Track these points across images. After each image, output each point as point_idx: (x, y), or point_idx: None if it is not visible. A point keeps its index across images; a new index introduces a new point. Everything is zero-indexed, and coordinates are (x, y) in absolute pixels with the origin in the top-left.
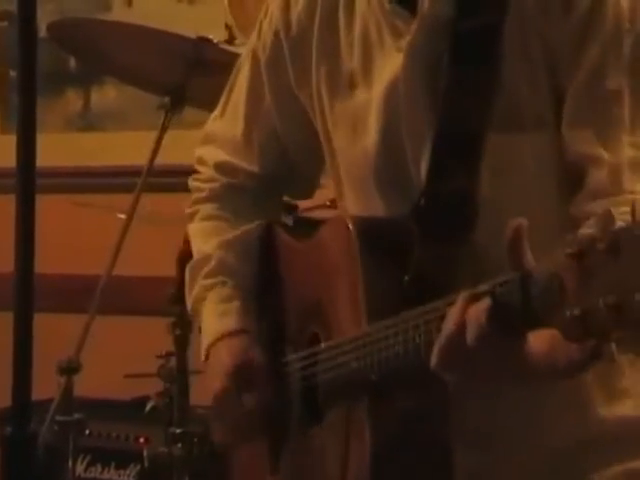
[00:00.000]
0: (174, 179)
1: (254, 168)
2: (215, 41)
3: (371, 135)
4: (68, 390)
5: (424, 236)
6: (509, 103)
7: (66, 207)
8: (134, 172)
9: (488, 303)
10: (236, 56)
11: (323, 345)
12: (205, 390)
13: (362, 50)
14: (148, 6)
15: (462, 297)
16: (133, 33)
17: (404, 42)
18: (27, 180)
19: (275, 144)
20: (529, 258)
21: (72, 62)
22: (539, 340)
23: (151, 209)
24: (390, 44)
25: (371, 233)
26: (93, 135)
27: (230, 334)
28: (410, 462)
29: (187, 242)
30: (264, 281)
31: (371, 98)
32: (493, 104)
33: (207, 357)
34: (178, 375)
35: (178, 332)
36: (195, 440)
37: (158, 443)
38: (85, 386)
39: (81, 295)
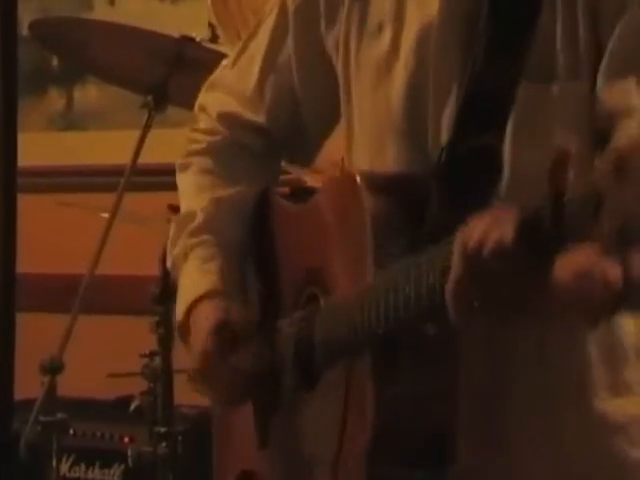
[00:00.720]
0: (157, 178)
1: (261, 121)
2: (198, 40)
3: (396, 81)
4: (51, 390)
5: (443, 192)
6: (543, 53)
7: (49, 206)
8: (117, 171)
9: (516, 218)
10: (219, 55)
11: (322, 303)
12: (189, 353)
13: None
14: (131, 5)
15: (487, 217)
16: (116, 32)
17: None
18: (9, 180)
19: (287, 99)
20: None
21: (54, 61)
22: (569, 263)
23: (134, 208)
24: None
25: (382, 186)
26: (76, 134)
27: (210, 294)
28: (411, 429)
29: None
30: (258, 248)
31: (399, 43)
32: (526, 61)
33: (185, 319)
34: (162, 374)
35: (162, 331)
36: (179, 439)
37: (142, 442)
38: (69, 386)
39: (64, 294)
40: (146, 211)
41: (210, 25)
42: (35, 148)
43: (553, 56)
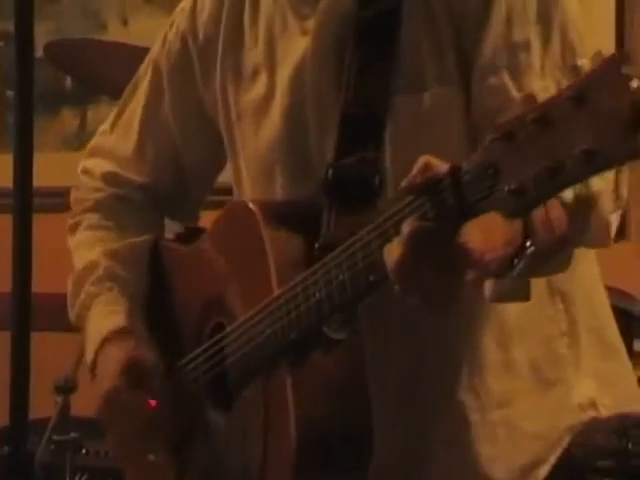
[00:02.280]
0: None
1: (143, 180)
2: None
3: (275, 116)
4: (65, 409)
5: (333, 206)
6: (410, 66)
7: (63, 226)
8: None
9: (422, 207)
10: None
11: (228, 328)
12: (92, 396)
13: (266, 40)
14: (143, 25)
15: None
16: (129, 53)
17: (310, 24)
18: (24, 200)
19: (169, 157)
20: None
21: (68, 82)
22: (474, 230)
23: None
24: (295, 29)
25: (275, 210)
26: None
27: (118, 333)
28: (330, 434)
29: None
30: (154, 292)
31: (275, 84)
32: (393, 77)
33: (94, 363)
34: None
35: None
36: None
37: None
38: (82, 405)
39: None
40: None
41: None
42: (49, 168)
43: (421, 68)
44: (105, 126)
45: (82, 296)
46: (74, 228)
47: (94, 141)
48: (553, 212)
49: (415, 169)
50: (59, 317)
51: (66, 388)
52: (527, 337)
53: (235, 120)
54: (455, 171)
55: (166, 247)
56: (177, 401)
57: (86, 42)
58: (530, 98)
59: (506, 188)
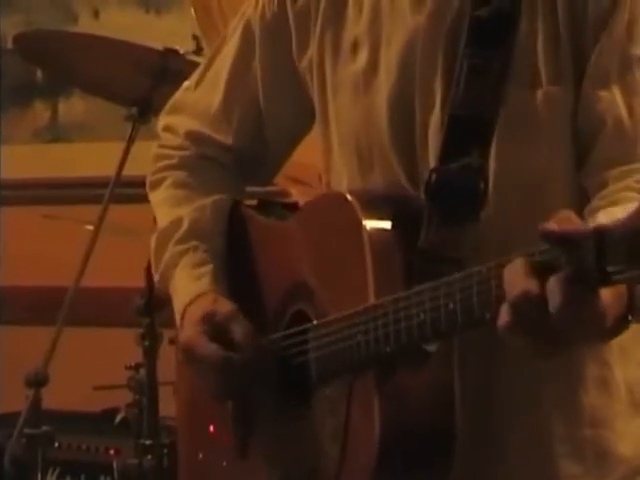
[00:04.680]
0: (143, 190)
1: (229, 142)
2: (182, 52)
3: (379, 98)
4: (36, 403)
5: (434, 213)
6: (525, 65)
7: (33, 219)
8: (102, 183)
9: (567, 271)
10: None
11: (315, 322)
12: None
13: (371, 13)
14: (115, 18)
15: (522, 262)
16: (100, 45)
17: (425, 3)
18: None
19: (253, 119)
20: (579, 221)
21: (39, 74)
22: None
23: (119, 220)
24: (405, 5)
25: (374, 205)
26: (61, 147)
27: (201, 295)
28: (413, 441)
29: None
30: (232, 256)
31: (378, 61)
32: (509, 78)
33: (182, 326)
34: (148, 386)
35: (147, 343)
36: (165, 451)
37: (128, 455)
38: (54, 399)
39: (49, 307)
40: (131, 223)
41: (194, 37)
42: (20, 161)
43: (535, 66)
44: (190, 82)
45: (167, 255)
46: (157, 184)
47: (176, 97)
48: None
49: (556, 219)
50: (29, 310)
51: (37, 381)
52: (627, 356)
53: (330, 93)
54: (601, 233)
55: (249, 215)
56: (250, 370)
57: (57, 34)
58: None
59: None
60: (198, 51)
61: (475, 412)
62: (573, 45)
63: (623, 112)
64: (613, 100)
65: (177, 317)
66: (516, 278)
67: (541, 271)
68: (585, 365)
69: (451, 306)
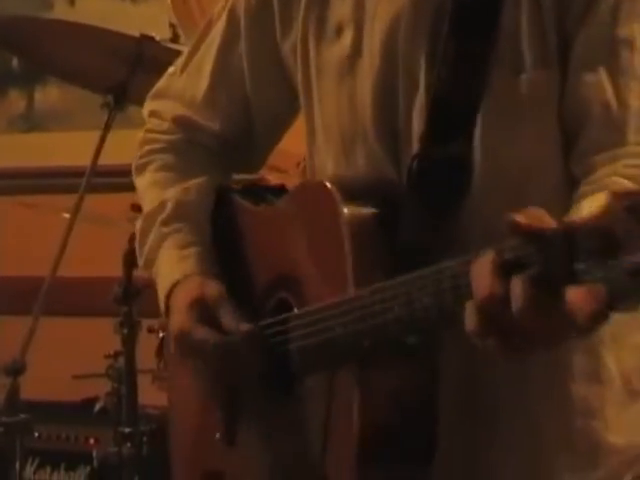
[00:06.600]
0: (119, 179)
1: (215, 127)
2: (158, 39)
3: (363, 81)
4: (14, 391)
5: (417, 202)
6: (510, 50)
7: (9, 208)
8: (79, 172)
9: (532, 270)
10: (180, 54)
11: (297, 311)
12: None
13: None
14: (91, 5)
15: (488, 260)
16: (75, 32)
17: None
18: None
19: (240, 104)
20: (549, 219)
21: (15, 62)
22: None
23: (96, 209)
24: None
25: (354, 193)
26: (37, 135)
27: (188, 277)
28: (395, 429)
29: (132, 241)
30: (217, 238)
31: (362, 43)
32: (494, 61)
33: (167, 306)
34: (126, 375)
35: (125, 332)
36: (144, 439)
37: (107, 443)
38: (33, 388)
39: (26, 296)
40: (108, 212)
41: (171, 25)
42: None
43: (520, 50)
44: (174, 67)
45: (152, 237)
46: (143, 168)
47: (161, 82)
48: None
49: (526, 212)
50: (6, 300)
51: (14, 370)
52: (619, 344)
53: (314, 75)
54: (570, 229)
55: (235, 201)
56: (236, 355)
57: (32, 21)
58: None
59: (623, 265)
60: (174, 38)
61: (461, 405)
62: (558, 29)
63: (610, 96)
64: (600, 84)
65: (161, 297)
66: (482, 278)
67: (508, 269)
68: (573, 355)
69: (425, 300)
